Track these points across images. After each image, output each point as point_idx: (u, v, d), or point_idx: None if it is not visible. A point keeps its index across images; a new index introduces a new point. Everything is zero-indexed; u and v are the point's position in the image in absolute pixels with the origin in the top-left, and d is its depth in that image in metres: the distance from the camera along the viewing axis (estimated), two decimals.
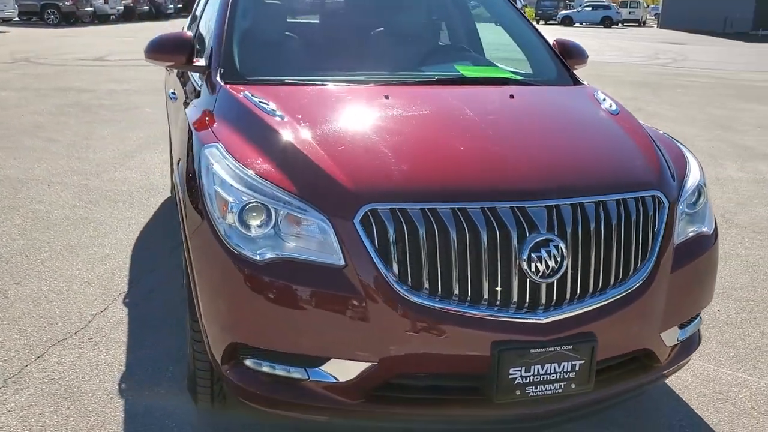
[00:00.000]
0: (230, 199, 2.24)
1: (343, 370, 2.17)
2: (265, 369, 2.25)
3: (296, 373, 2.22)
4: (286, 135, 2.42)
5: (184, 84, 3.68)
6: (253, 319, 2.20)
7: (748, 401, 3.01)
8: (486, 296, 2.11)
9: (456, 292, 2.10)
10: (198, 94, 3.13)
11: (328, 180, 2.20)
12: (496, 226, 2.10)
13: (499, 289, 2.12)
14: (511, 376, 2.12)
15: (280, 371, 2.24)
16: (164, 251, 4.46)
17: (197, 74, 3.26)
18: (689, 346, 2.61)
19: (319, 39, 3.58)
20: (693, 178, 2.60)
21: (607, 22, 49.68)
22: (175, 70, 4.39)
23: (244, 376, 2.29)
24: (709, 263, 2.56)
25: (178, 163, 2.91)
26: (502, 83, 3.18)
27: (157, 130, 8.09)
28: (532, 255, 2.10)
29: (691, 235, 2.50)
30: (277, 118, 2.53)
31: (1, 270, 4.08)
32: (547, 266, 2.11)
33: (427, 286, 2.10)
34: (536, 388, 2.16)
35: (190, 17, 5.21)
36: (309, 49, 3.46)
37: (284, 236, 2.18)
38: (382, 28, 3.62)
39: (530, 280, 2.12)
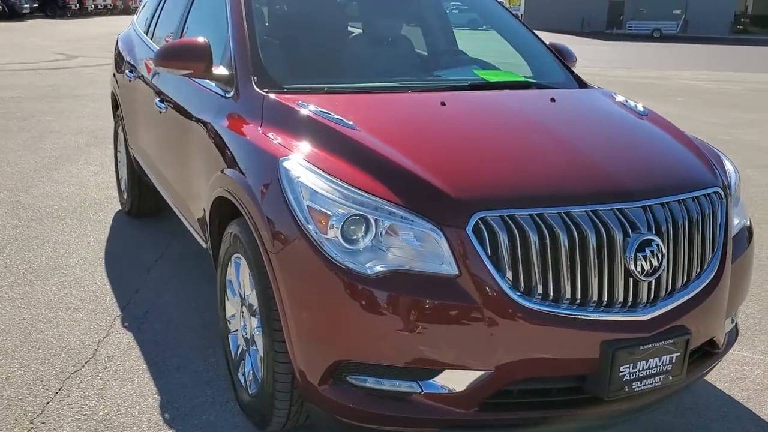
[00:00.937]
0: (330, 212, 2.17)
1: (458, 380, 2.15)
2: (370, 385, 2.20)
3: (406, 387, 2.18)
4: (369, 144, 2.37)
5: (179, 93, 3.48)
6: (362, 335, 2.15)
7: (763, 377, 3.25)
8: (594, 298, 2.16)
9: (567, 295, 2.14)
10: (221, 104, 2.98)
11: (433, 189, 2.18)
12: (602, 229, 2.15)
13: (606, 289, 2.17)
14: (620, 374, 2.18)
15: (386, 386, 2.19)
16: (140, 269, 4.21)
17: (213, 83, 3.10)
18: (735, 333, 2.79)
19: (339, 43, 3.50)
20: (733, 173, 2.77)
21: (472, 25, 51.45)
22: (140, 78, 4.18)
23: (345, 394, 2.22)
24: (752, 253, 2.74)
25: (199, 176, 2.77)
26: (524, 87, 3.24)
27: (68, 140, 7.61)
28: (638, 254, 2.17)
29: (738, 227, 2.67)
30: (349, 128, 2.46)
31: None
32: (651, 264, 2.19)
33: (539, 291, 2.12)
34: (641, 383, 2.23)
35: (142, 16, 4.91)
36: (334, 54, 3.38)
37: (389, 248, 2.14)
38: (395, 31, 3.60)
39: (633, 279, 2.19)
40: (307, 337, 2.24)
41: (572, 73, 3.54)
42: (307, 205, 2.22)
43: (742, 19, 44.08)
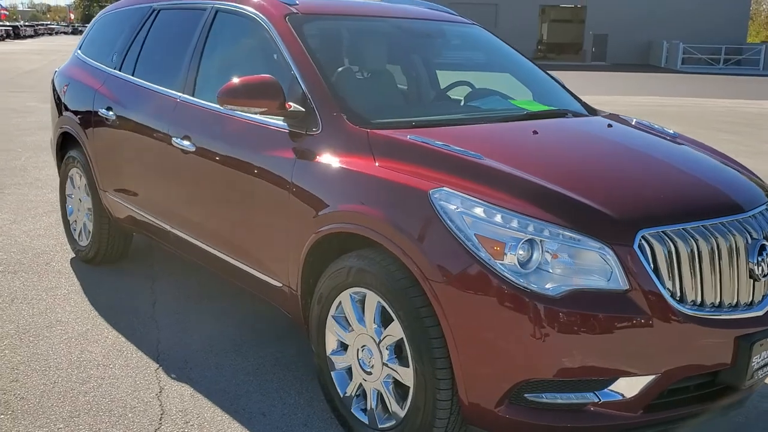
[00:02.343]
0: (503, 239, 2.28)
1: (630, 386, 2.32)
2: (546, 400, 2.32)
3: (580, 398, 2.32)
4: (509, 172, 2.49)
5: (222, 131, 3.37)
6: (546, 353, 2.26)
7: None
8: (729, 299, 2.44)
9: (711, 299, 2.39)
10: (304, 142, 2.94)
11: (595, 211, 2.35)
12: (731, 238, 2.44)
13: (737, 290, 2.45)
14: (752, 364, 2.46)
15: (561, 399, 2.32)
16: (144, 317, 3.98)
17: (281, 120, 3.06)
18: None
19: (392, 78, 3.56)
20: None
21: None
22: (126, 118, 3.99)
23: (522, 413, 2.32)
24: None
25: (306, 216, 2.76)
26: (561, 114, 3.49)
27: None
28: (758, 258, 2.48)
29: None
30: (478, 158, 2.57)
31: None
32: (766, 265, 2.51)
33: (692, 297, 2.36)
34: (762, 371, 2.53)
35: (97, 49, 4.64)
36: (395, 88, 3.45)
37: (560, 268, 2.27)
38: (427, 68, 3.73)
39: (754, 280, 2.49)
40: (482, 361, 2.31)
41: (580, 100, 3.85)
42: (474, 234, 2.31)
43: (539, 46, 48.21)
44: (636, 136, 3.24)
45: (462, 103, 3.59)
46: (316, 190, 2.83)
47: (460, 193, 2.39)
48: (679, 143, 3.22)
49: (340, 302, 2.77)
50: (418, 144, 2.69)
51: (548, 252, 2.27)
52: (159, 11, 4.22)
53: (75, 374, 3.32)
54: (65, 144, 4.94)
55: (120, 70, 4.34)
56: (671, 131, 3.42)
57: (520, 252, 2.26)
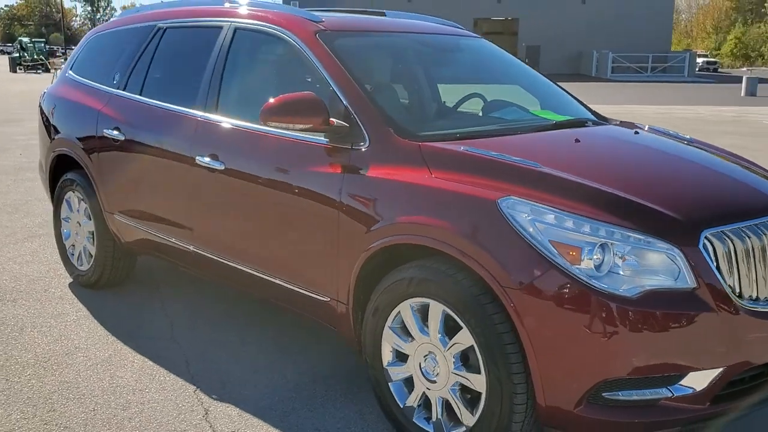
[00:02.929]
0: (578, 244, 2.36)
1: (700, 379, 2.43)
2: (622, 398, 2.40)
3: (654, 394, 2.42)
4: (570, 179, 2.58)
5: (256, 148, 3.36)
6: (625, 352, 2.35)
7: None
8: None
9: (766, 294, 2.53)
10: (351, 157, 2.97)
11: (661, 214, 2.45)
12: None
13: None
14: None
15: (637, 396, 2.41)
16: (166, 340, 3.92)
17: (323, 135, 3.08)
18: None
19: (426, 90, 3.62)
20: None
21: None
22: (136, 139, 3.96)
23: (600, 411, 2.40)
24: None
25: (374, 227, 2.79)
26: (582, 124, 3.61)
27: None
28: None
29: None
30: (536, 166, 2.66)
31: (7, 404, 3.23)
32: None
33: (749, 293, 2.49)
34: None
35: (95, 70, 4.56)
36: (431, 101, 3.50)
37: (632, 269, 2.37)
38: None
39: None
40: (562, 364, 2.38)
41: (588, 108, 4.00)
42: (549, 240, 2.39)
43: None
44: (664, 141, 3.39)
45: (481, 115, 3.68)
46: (369, 203, 2.86)
47: (529, 201, 2.47)
48: (702, 147, 3.38)
49: (398, 313, 2.81)
50: (475, 155, 2.76)
51: (618, 255, 2.37)
52: (165, 30, 4.18)
53: (113, 400, 3.25)
54: (59, 167, 4.81)
55: (125, 90, 4.27)
56: (687, 136, 3.59)
57: (596, 256, 2.35)
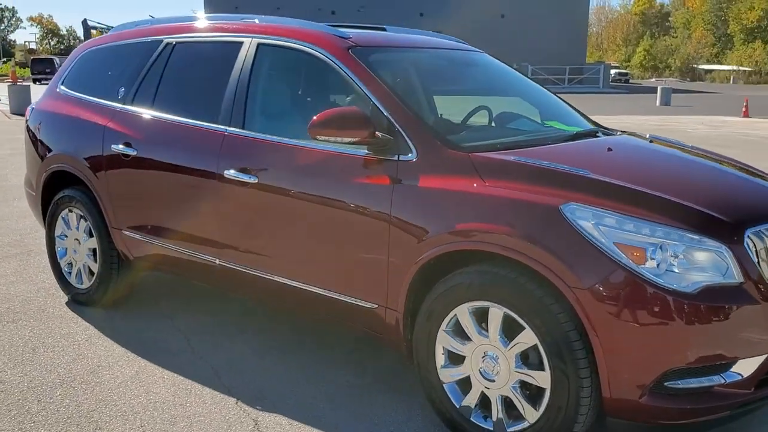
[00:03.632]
0: (641, 245, 2.56)
1: (747, 366, 2.65)
2: (681, 386, 2.60)
3: (709, 381, 2.63)
4: (621, 185, 2.78)
5: (291, 161, 3.42)
6: (686, 344, 2.55)
7: None
8: None
9: None
10: (399, 168, 3.08)
11: (709, 216, 2.67)
12: None
13: None
14: None
15: (694, 384, 2.62)
16: (184, 352, 3.91)
17: (364, 148, 3.18)
18: None
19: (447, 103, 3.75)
20: None
21: None
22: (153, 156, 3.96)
23: (662, 399, 2.59)
24: None
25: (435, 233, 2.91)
26: (593, 134, 3.82)
27: None
28: None
29: None
30: (586, 174, 2.84)
31: (49, 424, 3.18)
32: None
33: None
34: None
35: (97, 84, 4.52)
36: (460, 112, 3.64)
37: (687, 267, 2.58)
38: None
39: None
40: (628, 358, 2.56)
41: (588, 118, 4.23)
42: (614, 243, 2.57)
43: None
44: (679, 150, 3.65)
45: (497, 126, 3.85)
46: (423, 212, 2.98)
47: (591, 207, 2.64)
48: (708, 154, 3.65)
49: (454, 316, 2.93)
50: (527, 164, 2.92)
51: (673, 254, 2.57)
52: (175, 45, 4.18)
53: (157, 416, 3.24)
54: (51, 184, 4.73)
55: (132, 105, 4.25)
56: (689, 144, 3.86)
57: (658, 256, 2.54)
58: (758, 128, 19.20)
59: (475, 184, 2.89)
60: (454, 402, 3.00)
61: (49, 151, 4.69)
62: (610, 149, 3.35)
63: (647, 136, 3.93)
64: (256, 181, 3.50)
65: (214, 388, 3.52)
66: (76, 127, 4.51)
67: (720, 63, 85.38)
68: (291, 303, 3.61)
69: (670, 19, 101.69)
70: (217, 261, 3.79)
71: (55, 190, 4.74)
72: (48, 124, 4.78)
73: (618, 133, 3.99)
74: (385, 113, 3.19)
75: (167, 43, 4.23)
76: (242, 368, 3.74)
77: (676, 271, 2.56)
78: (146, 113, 4.15)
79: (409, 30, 4.46)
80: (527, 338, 2.74)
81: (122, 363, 3.80)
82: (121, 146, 4.17)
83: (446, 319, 2.95)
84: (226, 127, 3.72)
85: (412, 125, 3.15)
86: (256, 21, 3.95)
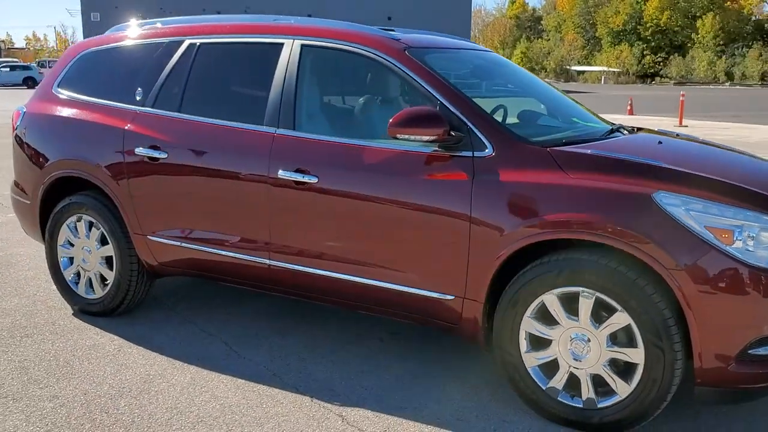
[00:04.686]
0: (729, 228, 2.83)
1: None
2: (762, 353, 2.89)
3: None
4: (695, 174, 3.05)
5: (360, 161, 3.49)
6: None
7: None
8: None
9: None
10: (476, 164, 3.22)
11: None
12: None
13: None
14: None
15: None
16: (230, 356, 3.88)
17: (435, 145, 3.30)
18: None
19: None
20: None
21: (30, 83, 47.89)
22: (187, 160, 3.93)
23: (746, 366, 2.87)
24: None
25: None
26: (618, 129, 4.09)
27: None
28: None
29: None
30: (660, 164, 3.10)
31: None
32: None
33: None
34: None
35: (112, 88, 4.37)
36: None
37: (762, 246, 2.87)
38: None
39: None
40: (719, 330, 2.82)
41: (597, 115, 4.52)
42: (704, 226, 2.83)
43: None
44: (702, 143, 3.99)
45: (542, 123, 4.07)
46: (507, 205, 3.13)
47: (679, 194, 2.89)
48: (725, 147, 4.02)
49: (541, 302, 3.10)
50: (607, 157, 3.14)
51: (751, 235, 2.85)
52: (199, 46, 4.13)
53: (240, 419, 3.23)
54: (52, 192, 4.53)
55: (154, 107, 4.16)
56: (698, 137, 4.22)
57: (743, 236, 2.81)
58: (646, 124, 20.56)
59: (559, 177, 3.08)
60: (539, 384, 3.17)
61: (50, 156, 4.48)
62: (660, 142, 3.63)
63: (656, 130, 4.26)
64: (317, 181, 3.54)
65: (281, 387, 3.53)
66: (86, 131, 4.35)
67: (590, 64, 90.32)
68: (354, 300, 3.66)
69: (542, 22, 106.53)
70: (267, 261, 3.79)
71: (55, 198, 4.54)
72: (46, 127, 4.57)
73: (635, 129, 4.29)
74: (454, 111, 3.33)
75: (190, 44, 4.16)
76: (296, 366, 3.76)
77: (756, 249, 2.84)
78: (174, 116, 4.07)
79: (424, 31, 4.59)
80: (620, 319, 2.95)
81: (171, 371, 3.72)
82: (146, 149, 4.07)
83: (532, 306, 3.12)
84: (275, 129, 3.72)
85: (484, 122, 3.30)
86: (292, 22, 3.97)
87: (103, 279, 4.44)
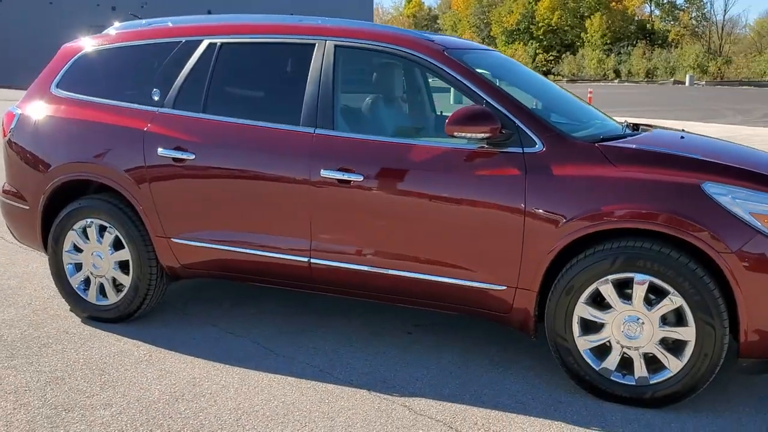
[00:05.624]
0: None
1: None
2: None
3: None
4: (733, 164, 3.36)
5: (407, 159, 3.59)
6: None
7: None
8: None
9: None
10: (527, 159, 3.39)
11: None
12: None
13: None
14: None
15: None
16: (259, 354, 3.90)
17: (483, 142, 3.45)
18: None
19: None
20: None
21: None
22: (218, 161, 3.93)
23: None
24: None
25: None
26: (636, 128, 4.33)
27: None
28: None
29: None
30: (698, 157, 3.37)
31: None
32: None
33: None
34: None
35: (122, 86, 4.28)
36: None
37: None
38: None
39: None
40: (763, 305, 3.11)
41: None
42: (749, 212, 3.11)
43: None
44: (708, 138, 4.32)
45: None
46: (562, 198, 3.32)
47: (724, 184, 3.16)
48: (711, 138, 4.38)
49: (595, 289, 3.31)
50: (651, 151, 3.41)
51: None
52: (221, 45, 4.10)
53: (310, 415, 3.27)
54: (55, 197, 4.39)
55: (174, 108, 4.10)
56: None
57: None
58: None
59: (611, 171, 3.30)
60: (593, 365, 3.38)
61: (55, 159, 4.33)
62: (682, 137, 3.92)
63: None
64: (362, 179, 3.62)
65: (334, 382, 3.60)
66: (98, 132, 4.23)
67: None
68: (400, 295, 3.75)
69: (438, 21, 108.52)
70: (306, 260, 3.83)
71: (57, 203, 4.40)
72: (47, 130, 4.41)
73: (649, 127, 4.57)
74: (501, 109, 3.49)
75: (210, 44, 4.13)
76: (338, 361, 3.83)
77: None
78: (200, 116, 4.03)
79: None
80: (672, 301, 3.19)
81: (215, 373, 3.70)
82: (171, 151, 4.02)
83: (586, 293, 3.33)
84: (313, 129, 3.77)
85: (532, 119, 3.48)
86: (320, 23, 4.02)
87: (117, 284, 4.33)
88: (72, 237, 4.36)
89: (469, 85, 3.59)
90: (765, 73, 65.07)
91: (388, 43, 3.77)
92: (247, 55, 4.11)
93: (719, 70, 69.32)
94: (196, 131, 4.01)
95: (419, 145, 3.60)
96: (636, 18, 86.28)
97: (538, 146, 3.42)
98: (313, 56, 3.86)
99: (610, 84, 63.29)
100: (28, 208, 4.48)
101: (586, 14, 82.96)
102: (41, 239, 4.49)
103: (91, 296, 4.40)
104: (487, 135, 3.38)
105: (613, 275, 3.27)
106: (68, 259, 4.41)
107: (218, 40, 4.13)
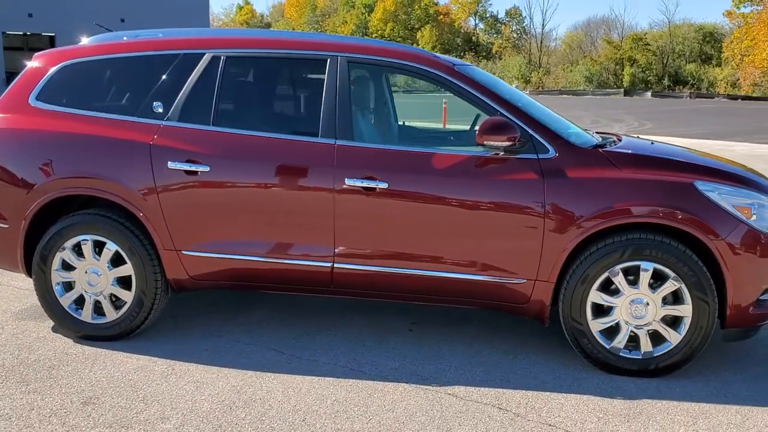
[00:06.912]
0: (747, 206, 3.75)
1: None
2: (766, 297, 3.85)
3: None
4: (708, 165, 3.98)
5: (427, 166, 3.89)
6: None
7: None
8: None
9: None
10: (542, 164, 3.80)
11: (763, 184, 3.96)
12: None
13: None
14: None
15: None
16: (280, 360, 4.04)
17: (501, 150, 3.83)
18: None
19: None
20: None
21: None
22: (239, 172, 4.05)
23: (758, 308, 3.79)
24: None
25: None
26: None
27: None
28: None
29: None
30: (685, 159, 3.96)
31: None
32: None
33: None
34: None
35: (140, 101, 4.22)
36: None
37: (764, 218, 3.82)
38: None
39: None
40: (745, 283, 3.72)
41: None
42: (732, 205, 3.72)
43: None
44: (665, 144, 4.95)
45: None
46: (578, 198, 3.76)
47: (710, 182, 3.75)
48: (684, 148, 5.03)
49: (606, 277, 3.79)
50: (645, 155, 3.94)
51: (757, 211, 3.79)
52: (225, 59, 4.17)
53: (368, 411, 3.46)
54: (42, 214, 4.25)
55: (180, 121, 4.13)
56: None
57: (755, 212, 3.74)
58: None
59: (617, 173, 3.79)
60: (604, 344, 3.85)
61: (42, 176, 4.18)
62: (652, 143, 4.50)
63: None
64: (387, 186, 3.87)
65: (372, 379, 3.80)
66: (95, 147, 4.14)
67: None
68: (424, 291, 4.02)
69: (271, 29, 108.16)
70: (328, 265, 4.01)
71: (41, 220, 4.26)
72: (30, 145, 4.24)
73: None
74: (513, 119, 3.89)
75: (214, 57, 4.18)
76: (363, 360, 4.03)
77: (762, 221, 3.78)
78: (211, 129, 4.08)
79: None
80: (673, 283, 3.73)
81: (254, 380, 3.78)
82: (182, 164, 4.04)
83: (599, 280, 3.79)
84: (334, 140, 3.96)
85: (543, 128, 3.91)
86: (329, 39, 4.22)
87: (115, 300, 4.26)
88: (63, 255, 4.22)
89: (481, 97, 3.95)
90: (580, 83, 71.12)
91: (400, 59, 4.04)
92: (254, 69, 4.21)
93: (540, 80, 74.82)
94: (209, 143, 4.05)
95: (436, 152, 3.91)
96: (462, 31, 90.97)
97: (551, 152, 3.85)
98: (327, 70, 4.04)
99: (443, 95, 65.97)
100: (7, 226, 4.28)
101: (417, 26, 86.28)
102: (22, 259, 4.30)
103: (86, 315, 4.27)
104: (509, 143, 3.75)
105: (623, 264, 3.76)
106: (56, 278, 4.25)
107: (221, 54, 4.19)
